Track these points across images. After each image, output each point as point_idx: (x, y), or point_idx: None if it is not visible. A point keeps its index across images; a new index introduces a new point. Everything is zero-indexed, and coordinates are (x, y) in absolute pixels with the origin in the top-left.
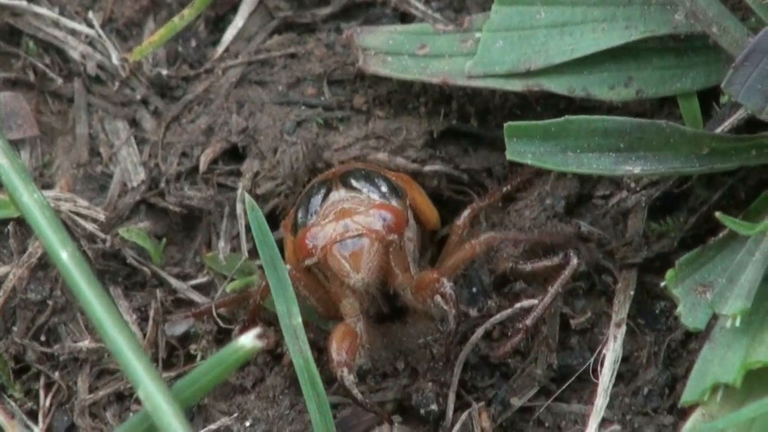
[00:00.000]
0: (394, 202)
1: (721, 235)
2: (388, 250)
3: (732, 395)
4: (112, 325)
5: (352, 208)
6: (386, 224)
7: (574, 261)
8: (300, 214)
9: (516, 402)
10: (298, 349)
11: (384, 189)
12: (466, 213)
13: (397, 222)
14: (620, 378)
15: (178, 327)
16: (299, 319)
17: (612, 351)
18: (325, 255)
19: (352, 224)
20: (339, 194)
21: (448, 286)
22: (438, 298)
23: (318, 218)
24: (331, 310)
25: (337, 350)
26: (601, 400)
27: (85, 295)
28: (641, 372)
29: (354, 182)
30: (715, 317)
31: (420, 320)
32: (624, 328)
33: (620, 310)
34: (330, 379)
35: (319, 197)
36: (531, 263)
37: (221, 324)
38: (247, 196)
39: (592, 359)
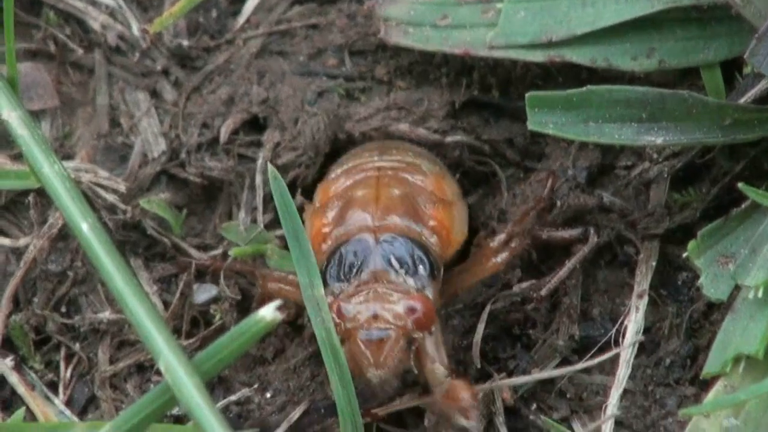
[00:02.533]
0: (429, 289)
1: (743, 205)
2: (411, 344)
3: (754, 366)
4: (133, 297)
5: (386, 293)
6: (415, 319)
7: (594, 238)
8: (332, 267)
9: (537, 373)
10: (321, 321)
11: (422, 271)
12: (500, 237)
13: (427, 318)
14: (642, 349)
15: (202, 294)
16: (321, 291)
17: (634, 322)
18: (348, 337)
19: (382, 313)
20: (376, 265)
21: (471, 404)
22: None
23: (350, 287)
24: None
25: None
26: (623, 371)
27: (105, 266)
28: (663, 343)
29: (393, 258)
30: (737, 288)
31: None
32: (646, 299)
33: (642, 281)
34: None
35: (355, 258)
36: (548, 231)
37: (229, 291)
38: (270, 166)
39: (613, 330)
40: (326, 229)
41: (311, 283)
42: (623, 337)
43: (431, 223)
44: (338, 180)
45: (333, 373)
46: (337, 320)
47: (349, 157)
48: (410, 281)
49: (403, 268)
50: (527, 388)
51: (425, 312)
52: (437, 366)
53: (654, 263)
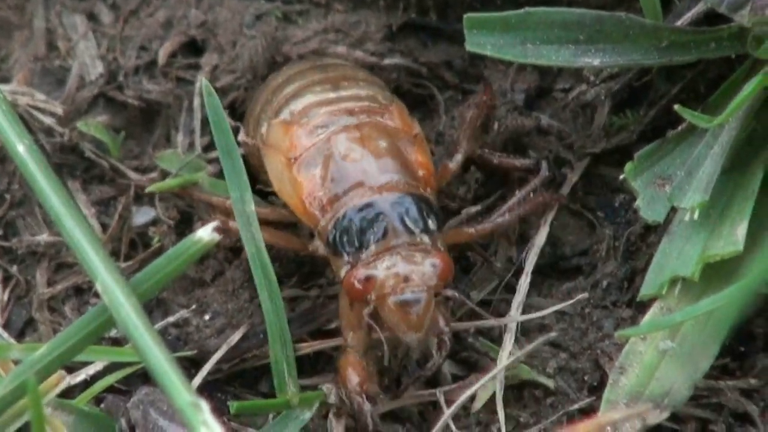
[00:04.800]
0: (439, 242)
1: (680, 128)
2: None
3: (690, 288)
4: (70, 218)
5: (409, 255)
6: (440, 275)
7: (545, 171)
8: (342, 235)
9: (475, 296)
10: (251, 236)
11: (431, 225)
12: (458, 158)
13: (449, 273)
14: (579, 271)
15: (141, 216)
16: (252, 207)
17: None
18: (380, 305)
19: (412, 275)
20: (393, 230)
21: (447, 336)
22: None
23: (368, 254)
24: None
25: (351, 379)
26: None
27: (42, 188)
28: (600, 265)
29: (406, 217)
30: (673, 210)
31: None
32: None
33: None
34: (289, 273)
35: (366, 223)
36: (499, 156)
37: (167, 214)
38: (204, 81)
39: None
40: (320, 193)
41: (242, 199)
42: (562, 260)
43: (420, 172)
44: (305, 126)
45: (262, 289)
46: (361, 287)
47: (294, 87)
48: (425, 238)
49: (417, 226)
50: (465, 310)
51: (447, 267)
52: None
53: (575, 178)
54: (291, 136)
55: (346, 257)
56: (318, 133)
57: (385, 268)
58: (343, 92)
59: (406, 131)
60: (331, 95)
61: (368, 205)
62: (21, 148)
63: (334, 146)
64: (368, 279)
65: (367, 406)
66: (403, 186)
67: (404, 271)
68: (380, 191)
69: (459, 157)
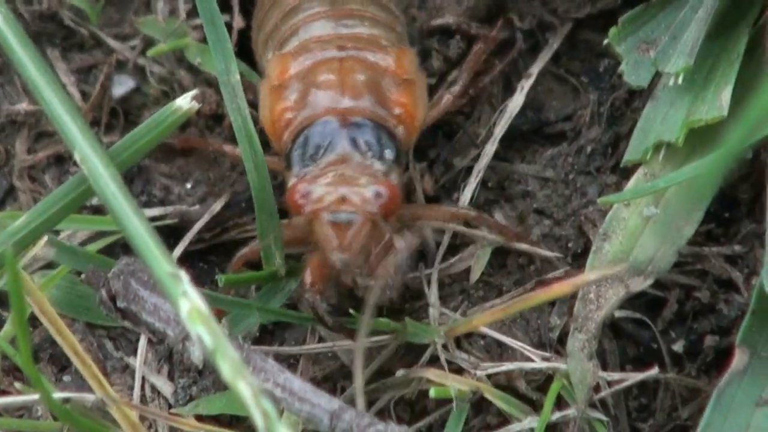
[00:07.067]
0: (394, 175)
1: None
2: (373, 229)
3: (674, 154)
4: (47, 87)
5: (353, 177)
6: (382, 205)
7: (521, 43)
8: (296, 150)
9: (459, 162)
10: (236, 107)
11: (388, 155)
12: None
13: (393, 205)
14: (563, 137)
15: (121, 85)
16: (237, 77)
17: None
18: (312, 219)
19: (350, 196)
20: (343, 147)
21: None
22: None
23: (315, 170)
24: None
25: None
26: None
27: (19, 56)
28: (584, 131)
29: (361, 140)
30: (658, 75)
31: None
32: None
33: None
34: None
35: (321, 141)
36: (477, 27)
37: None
38: None
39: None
40: (289, 115)
41: (227, 69)
42: (546, 125)
43: (397, 111)
44: (297, 57)
45: (249, 161)
46: (300, 201)
47: (300, 17)
48: (377, 165)
49: (371, 151)
50: (448, 177)
51: (392, 198)
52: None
53: (556, 45)
54: (282, 63)
55: (296, 170)
56: (304, 63)
57: (325, 184)
58: (344, 30)
59: (395, 72)
60: (331, 32)
61: (326, 123)
62: None
63: (312, 75)
64: (306, 193)
65: (320, 303)
66: (368, 114)
67: (344, 191)
68: (343, 113)
69: (456, 89)
